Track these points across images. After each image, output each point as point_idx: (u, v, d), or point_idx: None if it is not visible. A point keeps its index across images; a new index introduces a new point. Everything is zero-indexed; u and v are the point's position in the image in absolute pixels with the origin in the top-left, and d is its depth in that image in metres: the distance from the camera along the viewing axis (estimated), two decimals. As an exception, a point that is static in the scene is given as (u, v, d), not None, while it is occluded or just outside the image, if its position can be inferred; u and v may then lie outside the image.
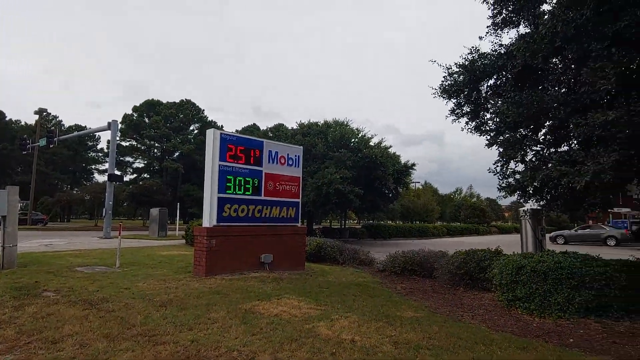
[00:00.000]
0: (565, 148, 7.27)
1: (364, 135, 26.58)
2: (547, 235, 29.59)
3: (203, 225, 9.63)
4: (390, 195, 28.41)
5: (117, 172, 35.33)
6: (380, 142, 26.77)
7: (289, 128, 29.93)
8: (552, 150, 7.42)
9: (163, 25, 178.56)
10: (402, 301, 7.44)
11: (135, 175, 60.88)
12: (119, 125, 39.74)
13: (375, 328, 5.40)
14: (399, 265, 10.98)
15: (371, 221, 50.17)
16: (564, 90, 6.92)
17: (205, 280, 8.64)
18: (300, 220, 11.88)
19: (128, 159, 60.59)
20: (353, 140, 26.19)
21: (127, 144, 58.98)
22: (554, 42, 6.23)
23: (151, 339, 4.65)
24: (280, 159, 10.93)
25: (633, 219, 27.31)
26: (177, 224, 29.20)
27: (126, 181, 55.82)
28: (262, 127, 53.63)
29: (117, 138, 37.76)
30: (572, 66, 6.74)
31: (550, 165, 6.38)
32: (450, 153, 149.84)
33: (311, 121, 28.95)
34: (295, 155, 11.41)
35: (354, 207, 25.82)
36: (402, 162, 28.00)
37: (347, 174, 22.82)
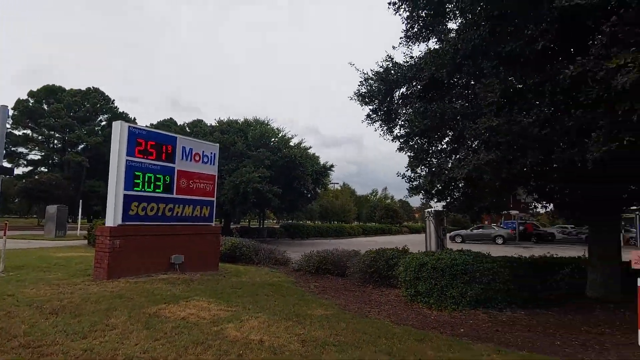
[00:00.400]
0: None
1: (284, 135, 26.66)
2: (448, 235, 32.37)
3: (107, 225, 8.93)
4: (309, 195, 28.82)
5: (7, 164, 31.34)
6: (300, 143, 27.05)
7: (208, 125, 28.97)
8: (452, 157, 8.14)
9: (73, 9, 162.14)
10: (314, 300, 7.59)
11: (30, 168, 54.38)
12: (10, 112, 35.24)
13: (285, 327, 5.45)
14: (313, 264, 11.18)
15: (290, 221, 50.46)
16: (464, 103, 7.60)
17: (107, 283, 8.02)
18: (215, 220, 11.57)
19: (21, 149, 53.93)
20: (273, 139, 26.13)
21: (21, 133, 52.49)
22: (455, 58, 6.82)
23: (36, 350, 4.21)
24: (195, 156, 10.54)
25: (520, 220, 30.94)
26: (79, 223, 26.71)
27: (18, 174, 49.75)
28: (180, 122, 51.24)
29: (8, 126, 33.42)
30: (471, 82, 7.44)
31: (446, 170, 6.97)
32: (369, 156, 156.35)
33: (231, 119, 28.36)
34: (211, 153, 11.08)
35: (273, 206, 25.79)
36: (322, 163, 28.58)
37: (266, 173, 22.70)
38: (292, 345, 4.73)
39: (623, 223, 25.82)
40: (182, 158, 10.20)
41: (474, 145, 7.32)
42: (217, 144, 11.84)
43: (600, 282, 7.33)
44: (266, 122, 27.86)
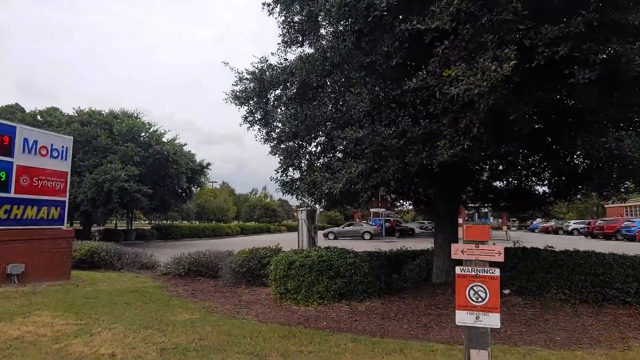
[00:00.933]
0: (330, 157, 8.47)
1: (156, 130, 24.87)
2: (321, 232, 34.01)
3: None
4: (184, 194, 27.41)
5: None
6: (174, 139, 25.55)
7: (65, 114, 25.42)
8: (321, 159, 8.54)
9: None
10: (180, 304, 7.24)
11: None
12: None
13: (143, 337, 5.08)
14: (184, 267, 10.68)
15: (164, 221, 47.32)
16: (332, 108, 8.03)
17: None
18: (75, 222, 10.24)
19: None
20: (143, 134, 24.17)
21: None
22: (324, 65, 7.16)
23: None
24: (41, 150, 9.17)
25: (386, 218, 34.04)
26: None
27: None
28: (30, 108, 44.04)
29: None
30: (341, 88, 7.89)
31: (316, 173, 7.30)
32: (249, 154, 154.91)
33: (93, 109, 25.36)
34: (63, 147, 9.77)
35: (142, 207, 23.84)
36: (198, 160, 27.42)
37: (134, 170, 20.87)
38: (148, 355, 4.43)
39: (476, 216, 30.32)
40: (24, 151, 8.79)
41: (341, 154, 7.78)
42: (71, 137, 10.47)
43: (442, 269, 8.45)
44: (135, 115, 25.64)
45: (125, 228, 31.13)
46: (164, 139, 24.78)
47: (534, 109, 5.43)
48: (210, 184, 70.04)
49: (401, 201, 13.42)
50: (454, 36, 4.74)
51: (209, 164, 27.91)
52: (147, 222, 59.18)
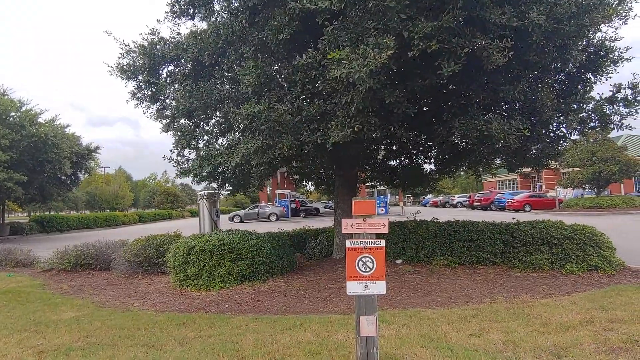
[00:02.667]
0: (230, 136, 8.27)
1: (30, 110, 21.76)
2: (227, 216, 33.40)
3: None
4: (69, 181, 24.65)
5: None
6: (53, 120, 22.61)
7: None
8: (220, 140, 8.30)
9: None
10: (64, 302, 6.58)
11: None
12: None
13: (17, 341, 4.55)
14: (69, 261, 9.69)
15: (47, 212, 42.10)
16: (229, 86, 7.78)
17: None
18: None
19: None
20: (13, 114, 21.00)
21: None
22: (217, 43, 6.87)
23: None
24: None
25: (291, 199, 34.49)
26: None
27: None
28: None
29: None
30: (235, 66, 7.66)
31: (210, 148, 7.08)
32: (147, 137, 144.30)
33: (-56, 83, 21.26)
34: None
35: (15, 197, 20.89)
36: (84, 144, 24.78)
37: (1, 156, 18.10)
38: (23, 360, 3.97)
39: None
40: None
41: (239, 131, 7.62)
42: None
43: (342, 245, 8.86)
44: (2, 92, 22.11)
45: (-4, 222, 27.05)
46: (41, 120, 21.82)
47: (415, 93, 5.86)
48: (102, 169, 64.19)
49: (304, 182, 13.70)
50: (342, 17, 4.88)
51: (97, 148, 25.42)
52: (25, 214, 52.32)
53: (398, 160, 10.83)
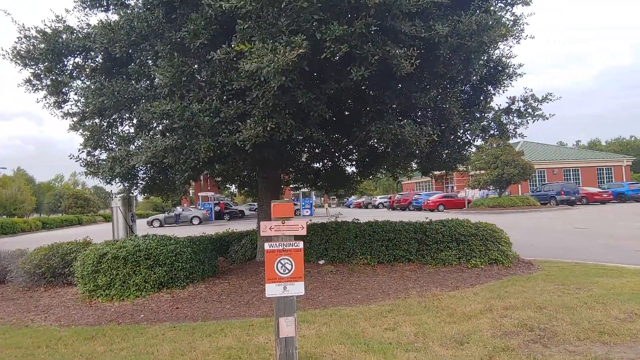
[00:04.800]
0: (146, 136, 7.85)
1: None
2: (145, 220, 31.58)
3: None
4: (-47, 184, 21.54)
5: None
6: None
7: None
8: (136, 141, 7.83)
9: None
10: (-55, 322, 5.76)
11: None
12: None
13: None
14: (-48, 275, 8.49)
15: None
16: (144, 84, 7.38)
17: None
18: None
19: None
20: None
21: None
22: (131, 36, 6.49)
23: None
24: None
25: (215, 201, 33.56)
26: None
27: None
28: None
29: None
30: (150, 63, 7.29)
31: (127, 158, 6.68)
32: (53, 134, 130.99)
33: None
34: None
35: None
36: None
37: None
38: None
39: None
40: None
41: (153, 131, 7.28)
42: None
43: (264, 247, 8.83)
44: None
45: None
46: None
47: (331, 96, 6.06)
48: (-4, 170, 57.04)
49: (228, 184, 13.42)
50: (257, 17, 4.91)
51: (-10, 146, 22.54)
52: None
53: (321, 163, 11.07)
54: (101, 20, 6.87)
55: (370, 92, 6.85)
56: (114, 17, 7.94)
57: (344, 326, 4.71)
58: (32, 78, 7.86)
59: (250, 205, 41.00)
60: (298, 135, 6.30)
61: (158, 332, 4.82)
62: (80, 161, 7.53)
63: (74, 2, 7.82)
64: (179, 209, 30.97)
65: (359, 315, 5.11)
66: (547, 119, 7.42)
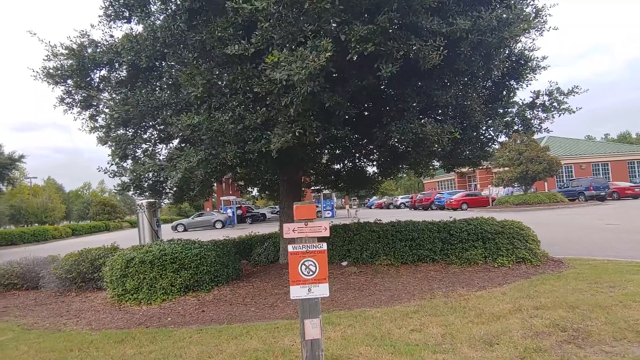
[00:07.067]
0: (171, 145, 8.00)
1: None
2: (170, 225, 32.16)
3: None
4: (-11, 194, 22.51)
5: None
6: (-31, 127, 20.58)
7: None
8: (159, 147, 7.99)
9: None
10: (-16, 327, 6.00)
11: None
12: None
13: None
14: (-11, 282, 8.84)
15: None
16: (168, 93, 7.52)
17: None
18: None
19: None
20: None
21: None
22: (155, 46, 6.63)
23: None
24: None
25: (237, 205, 33.90)
26: None
27: None
28: None
29: None
30: (175, 72, 7.43)
31: (157, 162, 6.81)
32: (81, 143, 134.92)
33: None
34: None
35: None
36: (7, 152, 22.78)
37: None
38: None
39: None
40: None
41: (178, 139, 7.39)
42: None
43: (287, 249, 8.84)
44: None
45: None
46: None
47: (355, 96, 6.04)
48: (29, 179, 59.28)
49: (250, 188, 13.55)
50: (279, 17, 4.92)
51: (22, 157, 23.54)
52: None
53: (342, 164, 11.05)
54: (126, 33, 7.04)
55: (391, 91, 6.79)
56: (137, 28, 8.15)
57: (370, 328, 4.66)
58: (64, 96, 8.11)
59: (272, 208, 41.26)
60: (323, 137, 6.29)
61: (185, 335, 4.88)
62: (109, 173, 7.72)
63: (99, 16, 8.03)
64: (205, 214, 31.41)
65: (384, 317, 5.06)
66: (574, 112, 7.20)
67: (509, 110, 7.56)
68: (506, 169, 30.06)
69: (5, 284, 8.90)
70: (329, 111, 5.77)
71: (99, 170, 7.88)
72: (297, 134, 5.50)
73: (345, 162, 10.87)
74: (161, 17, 7.14)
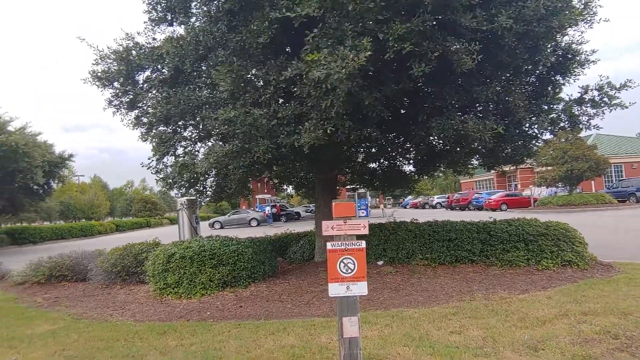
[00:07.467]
0: (209, 144, 8.20)
1: (-1, 118, 21.10)
2: (207, 222, 33.01)
3: None
4: (41, 191, 23.92)
5: None
6: (24, 128, 21.96)
7: None
8: (198, 145, 8.22)
9: None
10: (39, 315, 6.39)
11: None
12: None
13: (-11, 357, 4.38)
14: (43, 273, 9.39)
15: (19, 224, 40.66)
16: (207, 91, 7.72)
17: None
18: None
19: None
20: (-19, 122, 20.31)
21: None
22: (198, 50, 6.82)
23: None
24: None
25: (272, 203, 34.34)
26: None
27: None
28: None
29: None
30: (211, 70, 7.61)
31: (194, 159, 7.02)
32: (123, 143, 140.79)
33: None
34: None
35: (-16, 208, 20.18)
36: (57, 152, 24.12)
37: (-32, 166, 17.48)
38: (-5, 377, 3.84)
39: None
40: None
41: (216, 137, 7.57)
42: None
43: (323, 248, 8.86)
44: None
45: (-37, 235, 25.98)
46: (10, 128, 21.15)
47: (390, 96, 5.95)
48: (76, 177, 62.55)
49: (284, 186, 13.68)
50: (322, 24, 4.92)
51: (71, 156, 24.77)
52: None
53: (377, 163, 10.94)
54: (169, 36, 7.27)
55: (428, 89, 6.65)
56: (179, 30, 8.41)
57: (407, 328, 4.59)
58: (112, 98, 8.49)
59: (306, 207, 41.53)
60: (356, 136, 6.26)
61: (224, 329, 4.99)
62: (151, 169, 8.02)
63: (144, 22, 8.32)
64: (240, 212, 32.04)
65: (422, 317, 4.96)
66: (627, 107, 6.78)
67: (554, 106, 7.22)
68: (549, 168, 28.80)
69: (57, 275, 9.41)
70: (363, 111, 5.72)
71: (142, 166, 8.20)
72: (328, 132, 5.49)
73: (381, 160, 10.75)
74: (202, 20, 7.34)
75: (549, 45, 6.24)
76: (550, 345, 3.84)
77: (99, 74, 8.44)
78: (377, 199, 53.37)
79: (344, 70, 4.32)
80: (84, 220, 47.83)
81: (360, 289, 3.31)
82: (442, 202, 44.08)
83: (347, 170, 11.31)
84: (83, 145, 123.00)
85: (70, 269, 9.47)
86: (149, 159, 8.32)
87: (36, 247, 24.23)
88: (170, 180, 7.99)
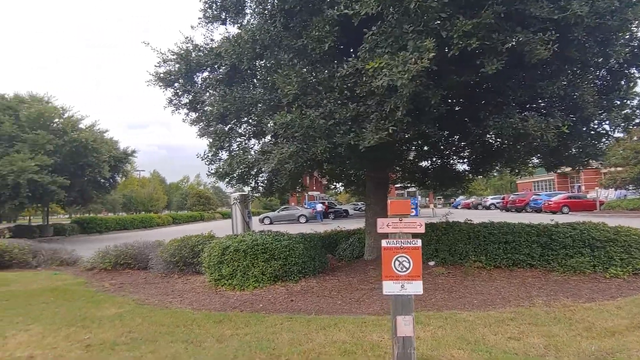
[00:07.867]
0: (264, 140, 8.41)
1: (72, 116, 22.84)
2: (257, 218, 33.87)
3: None
4: (107, 184, 25.68)
5: None
6: (93, 125, 23.66)
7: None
8: (253, 141, 8.45)
9: None
10: (107, 299, 6.87)
11: None
12: None
13: (66, 335, 4.78)
14: (109, 260, 10.09)
15: (86, 214, 43.99)
16: (262, 90, 7.91)
17: None
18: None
19: None
20: (56, 120, 22.10)
21: None
22: (255, 48, 7.01)
23: None
24: None
25: (321, 200, 34.64)
26: None
27: None
28: None
29: None
30: (271, 70, 7.78)
31: (250, 155, 7.22)
32: (180, 140, 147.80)
33: (-6, 92, 22.67)
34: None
35: (58, 199, 21.96)
36: (122, 148, 25.77)
37: (47, 160, 19.08)
38: (72, 353, 4.19)
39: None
40: None
41: (271, 137, 7.75)
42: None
43: (373, 246, 8.82)
44: (46, 99, 23.31)
45: (40, 223, 28.51)
46: (81, 125, 22.88)
47: (449, 92, 5.78)
48: (138, 172, 66.47)
49: (334, 183, 13.73)
50: (380, 22, 4.87)
51: (134, 152, 26.36)
52: (67, 216, 54.80)
53: (429, 161, 10.68)
54: (225, 36, 7.52)
55: (489, 85, 6.38)
56: (232, 29, 8.70)
57: (461, 331, 4.46)
58: (172, 98, 8.96)
59: (354, 204, 41.40)
60: (414, 134, 6.14)
61: (276, 322, 5.11)
62: (205, 159, 8.37)
63: (198, 19, 8.71)
64: (290, 208, 32.59)
65: (477, 321, 4.80)
66: None
67: (628, 101, 6.68)
68: (619, 169, 26.69)
69: (122, 263, 10.07)
70: (419, 107, 5.60)
71: (197, 156, 8.56)
72: (390, 131, 5.43)
73: (434, 159, 10.49)
74: (257, 19, 7.53)
75: (623, 36, 5.78)
76: (621, 358, 3.58)
77: (162, 75, 8.90)
78: (427, 199, 52.09)
79: (406, 74, 4.24)
80: (143, 212, 50.82)
81: (415, 287, 3.26)
82: (497, 203, 42.18)
83: (397, 168, 11.14)
84: (144, 142, 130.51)
85: (133, 258, 10.10)
86: (204, 152, 8.67)
87: (102, 236, 26.08)
88: (222, 171, 8.25)
